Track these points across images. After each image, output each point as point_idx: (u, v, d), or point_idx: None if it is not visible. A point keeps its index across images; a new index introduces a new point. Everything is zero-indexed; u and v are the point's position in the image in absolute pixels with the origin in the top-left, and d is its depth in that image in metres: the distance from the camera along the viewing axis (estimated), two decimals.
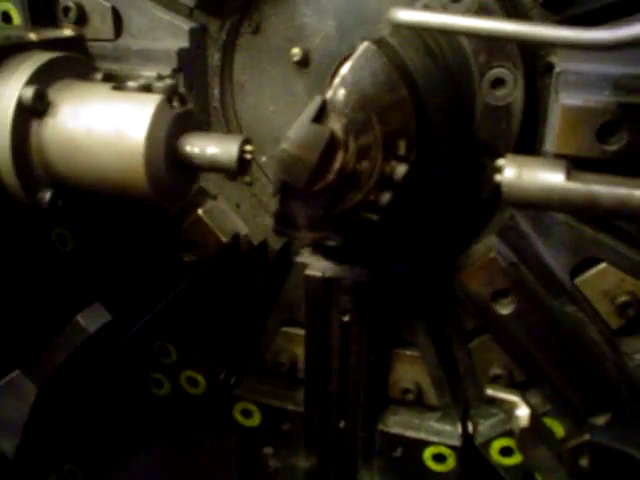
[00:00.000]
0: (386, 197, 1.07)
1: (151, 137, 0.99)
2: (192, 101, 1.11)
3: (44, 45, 1.13)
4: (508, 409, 1.13)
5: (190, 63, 1.38)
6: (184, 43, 1.36)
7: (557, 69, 1.09)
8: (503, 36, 0.87)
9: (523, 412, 1.10)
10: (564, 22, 1.17)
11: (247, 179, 1.46)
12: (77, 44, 1.23)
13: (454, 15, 0.91)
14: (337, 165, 1.03)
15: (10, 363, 1.14)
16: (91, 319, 1.14)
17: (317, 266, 1.40)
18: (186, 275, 1.40)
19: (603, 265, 1.22)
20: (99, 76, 1.15)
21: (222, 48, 1.41)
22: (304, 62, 1.37)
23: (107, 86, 1.09)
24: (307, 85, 1.39)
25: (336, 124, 1.01)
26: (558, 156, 1.07)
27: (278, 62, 1.39)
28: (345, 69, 1.02)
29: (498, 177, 0.88)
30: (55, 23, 1.41)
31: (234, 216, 1.45)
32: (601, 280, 1.23)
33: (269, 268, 1.47)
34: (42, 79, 1.05)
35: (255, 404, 1.55)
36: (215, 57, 1.41)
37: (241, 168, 1.02)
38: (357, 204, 1.06)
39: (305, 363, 1.46)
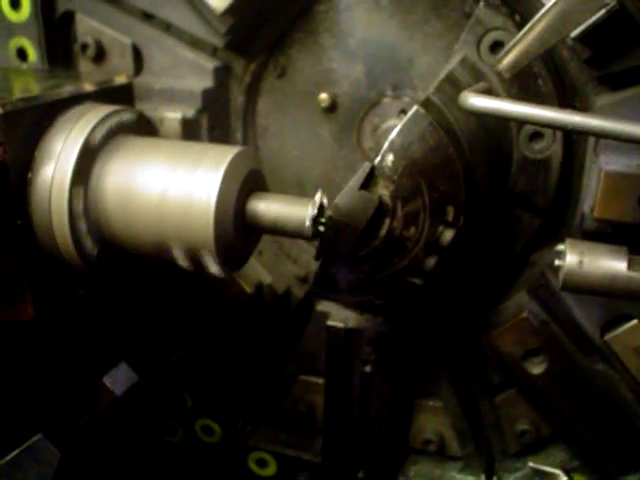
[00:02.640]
0: (431, 262, 1.04)
1: (222, 198, 0.93)
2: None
3: (95, 96, 1.08)
4: None
5: (213, 104, 1.33)
6: (208, 83, 1.31)
7: None
8: (587, 132, 0.86)
9: None
10: (603, 78, 1.16)
11: None
12: (125, 90, 1.18)
13: (528, 104, 0.89)
14: (384, 231, 1.00)
15: (31, 426, 1.09)
16: (118, 381, 1.09)
17: (339, 316, 1.36)
18: (207, 324, 1.35)
19: (634, 322, 1.20)
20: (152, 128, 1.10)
21: (246, 90, 1.36)
22: (332, 107, 1.34)
23: (169, 141, 1.04)
24: (333, 130, 1.36)
25: (384, 190, 0.98)
26: (600, 220, 1.06)
27: (304, 106, 1.36)
28: (394, 134, 0.98)
29: (558, 262, 0.86)
30: (72, 60, 1.36)
31: (257, 264, 1.40)
32: (632, 337, 1.22)
33: (290, 317, 1.43)
34: (99, 136, 1.00)
35: (271, 453, 1.51)
36: (239, 99, 1.37)
37: (314, 233, 0.95)
38: (401, 269, 1.03)
39: (324, 412, 1.43)
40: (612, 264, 0.83)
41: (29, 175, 0.98)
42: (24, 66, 1.33)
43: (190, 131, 1.29)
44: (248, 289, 1.35)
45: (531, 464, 1.14)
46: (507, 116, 0.89)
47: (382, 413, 1.39)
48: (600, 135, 0.94)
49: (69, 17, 1.34)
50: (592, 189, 1.10)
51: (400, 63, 1.29)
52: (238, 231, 0.96)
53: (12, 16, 1.31)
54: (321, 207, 0.94)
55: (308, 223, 0.93)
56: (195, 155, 0.97)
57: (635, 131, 0.85)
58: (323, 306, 1.39)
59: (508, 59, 1.00)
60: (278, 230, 0.96)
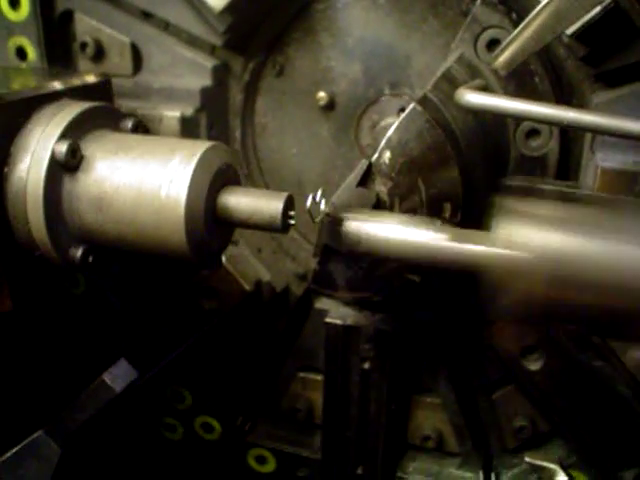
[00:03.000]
0: None
1: (192, 193, 0.94)
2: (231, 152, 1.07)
3: (72, 93, 1.08)
4: (547, 476, 1.11)
5: (212, 102, 1.34)
6: (207, 81, 1.32)
7: None
8: (583, 128, 0.86)
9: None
10: (599, 75, 1.16)
11: None
12: (104, 87, 1.18)
13: (523, 101, 0.89)
14: None
15: (32, 423, 1.10)
16: (118, 378, 1.09)
17: (337, 313, 1.36)
18: (206, 322, 1.35)
19: None
20: (129, 124, 1.10)
21: (245, 89, 1.37)
22: (330, 106, 1.34)
23: (141, 138, 1.04)
24: (331, 128, 1.36)
25: (382, 187, 0.99)
26: None
27: (302, 105, 1.36)
28: (391, 131, 0.99)
29: None
30: (71, 59, 1.37)
31: (256, 262, 1.41)
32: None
33: (289, 314, 1.44)
34: (74, 132, 1.00)
35: (270, 450, 1.52)
36: (237, 98, 1.38)
37: (284, 226, 0.97)
38: (399, 266, 1.04)
39: (323, 409, 1.43)
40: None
41: (5, 170, 0.99)
42: (23, 65, 1.33)
43: (189, 129, 1.30)
44: (247, 286, 1.35)
45: (527, 459, 1.15)
46: (503, 112, 0.90)
47: (381, 410, 1.39)
48: (595, 131, 0.95)
49: (68, 16, 1.34)
50: (589, 186, 1.11)
51: (398, 61, 1.29)
52: (210, 226, 0.97)
53: (11, 15, 1.32)
54: (290, 200, 0.95)
55: (279, 216, 0.94)
56: (167, 150, 0.98)
57: (629, 127, 0.86)
58: (322, 303, 1.40)
59: (504, 56, 1.01)
60: (249, 223, 0.97)
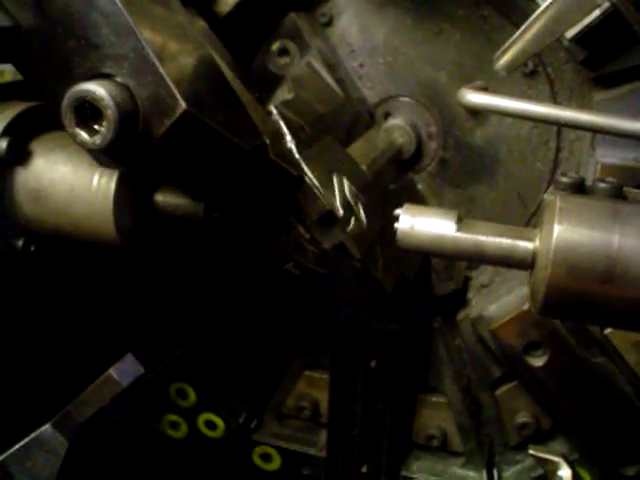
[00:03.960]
0: None
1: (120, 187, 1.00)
2: None
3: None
4: (550, 469, 1.12)
5: None
6: None
7: None
8: (582, 127, 0.88)
9: (566, 473, 1.10)
10: (598, 78, 1.19)
11: None
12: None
13: (522, 100, 0.91)
14: None
15: (40, 416, 1.11)
16: (124, 373, 1.11)
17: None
18: (209, 319, 1.37)
19: None
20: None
21: None
22: None
23: None
24: None
25: None
26: None
27: None
28: None
29: (396, 225, 0.88)
30: None
31: None
32: (631, 331, 1.23)
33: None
34: (18, 129, 1.05)
35: (275, 448, 1.52)
36: None
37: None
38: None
39: (329, 408, 1.44)
40: (441, 226, 0.84)
41: None
42: None
43: None
44: None
45: (531, 451, 1.15)
46: (503, 112, 0.92)
47: (386, 408, 1.40)
48: (593, 130, 0.97)
49: None
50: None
51: None
52: (138, 215, 1.04)
53: None
54: None
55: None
56: None
57: (625, 126, 0.88)
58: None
59: (505, 58, 1.03)
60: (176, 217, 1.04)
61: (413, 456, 1.49)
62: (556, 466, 1.11)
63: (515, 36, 1.00)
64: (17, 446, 1.11)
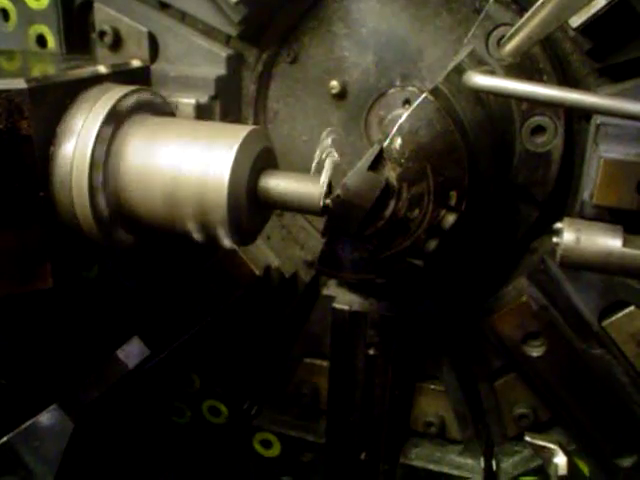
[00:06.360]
0: (433, 244, 1.08)
1: (235, 175, 0.97)
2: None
3: (114, 77, 1.12)
4: (546, 456, 1.14)
5: (226, 90, 1.37)
6: (221, 70, 1.35)
7: (597, 121, 1.11)
8: (586, 109, 0.88)
9: (561, 460, 1.12)
10: (604, 69, 1.19)
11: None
12: (143, 72, 1.23)
13: (528, 82, 0.92)
14: (389, 212, 1.04)
15: (46, 397, 1.13)
16: (130, 355, 1.12)
17: (344, 299, 1.39)
18: (215, 306, 1.38)
19: (631, 308, 1.24)
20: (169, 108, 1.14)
21: (258, 79, 1.40)
22: (342, 94, 1.37)
23: (184, 121, 1.07)
24: (342, 117, 1.39)
25: (391, 173, 1.02)
26: (598, 207, 1.10)
27: (314, 93, 1.39)
28: (403, 118, 1.02)
29: (556, 239, 0.88)
30: (89, 47, 1.40)
31: (265, 248, 1.44)
32: (629, 323, 1.25)
33: (297, 300, 1.47)
34: (118, 114, 1.04)
35: (275, 434, 1.54)
36: (250, 88, 1.41)
37: (323, 209, 1.00)
38: (404, 250, 1.07)
39: (328, 395, 1.46)
40: (608, 241, 0.85)
41: (51, 150, 1.02)
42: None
43: (203, 116, 1.33)
44: (257, 271, 1.38)
45: (528, 438, 1.17)
46: (509, 94, 0.92)
47: (385, 395, 1.42)
48: (596, 111, 0.97)
49: (87, 6, 1.38)
50: (592, 177, 1.13)
51: (410, 54, 1.32)
52: (250, 206, 1.00)
53: (32, 4, 1.36)
54: (329, 184, 0.98)
55: (318, 199, 0.97)
56: (211, 133, 1.01)
57: (630, 108, 0.87)
58: (329, 290, 1.42)
59: (510, 45, 1.03)
60: (288, 206, 1.00)
61: (411, 443, 1.50)
62: (552, 453, 1.13)
63: (520, 22, 1.00)
64: (24, 426, 1.13)
